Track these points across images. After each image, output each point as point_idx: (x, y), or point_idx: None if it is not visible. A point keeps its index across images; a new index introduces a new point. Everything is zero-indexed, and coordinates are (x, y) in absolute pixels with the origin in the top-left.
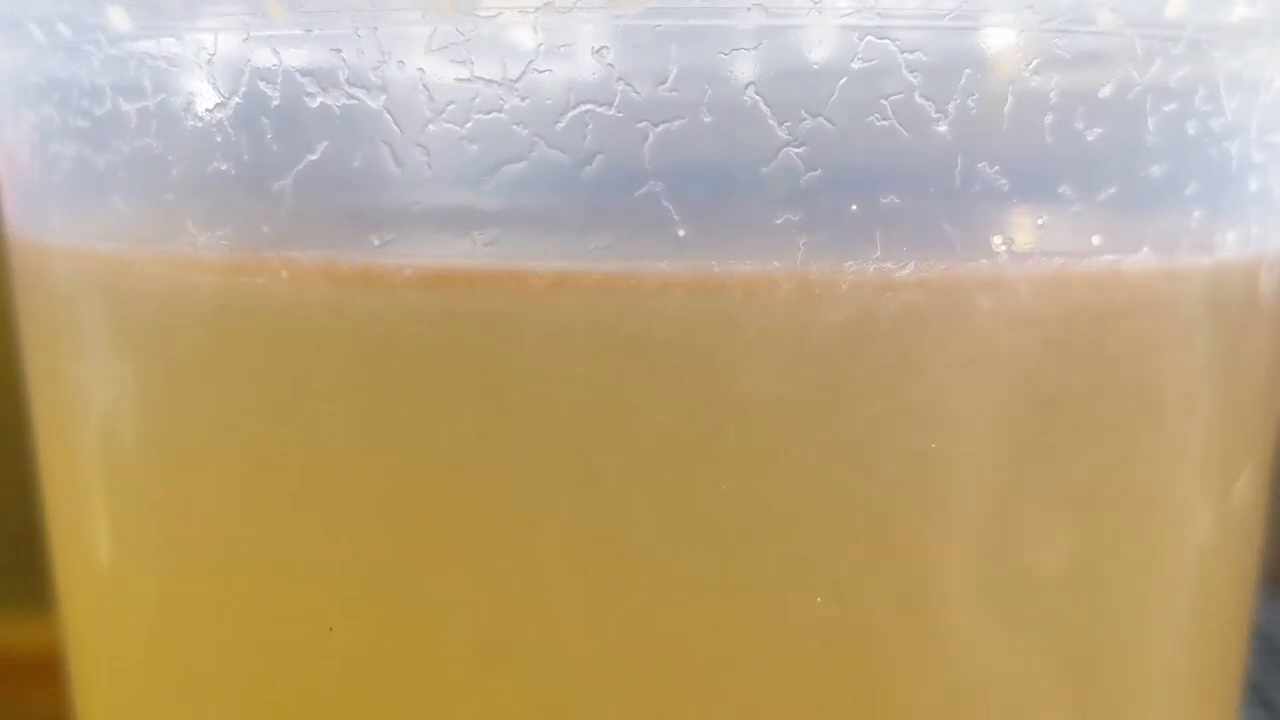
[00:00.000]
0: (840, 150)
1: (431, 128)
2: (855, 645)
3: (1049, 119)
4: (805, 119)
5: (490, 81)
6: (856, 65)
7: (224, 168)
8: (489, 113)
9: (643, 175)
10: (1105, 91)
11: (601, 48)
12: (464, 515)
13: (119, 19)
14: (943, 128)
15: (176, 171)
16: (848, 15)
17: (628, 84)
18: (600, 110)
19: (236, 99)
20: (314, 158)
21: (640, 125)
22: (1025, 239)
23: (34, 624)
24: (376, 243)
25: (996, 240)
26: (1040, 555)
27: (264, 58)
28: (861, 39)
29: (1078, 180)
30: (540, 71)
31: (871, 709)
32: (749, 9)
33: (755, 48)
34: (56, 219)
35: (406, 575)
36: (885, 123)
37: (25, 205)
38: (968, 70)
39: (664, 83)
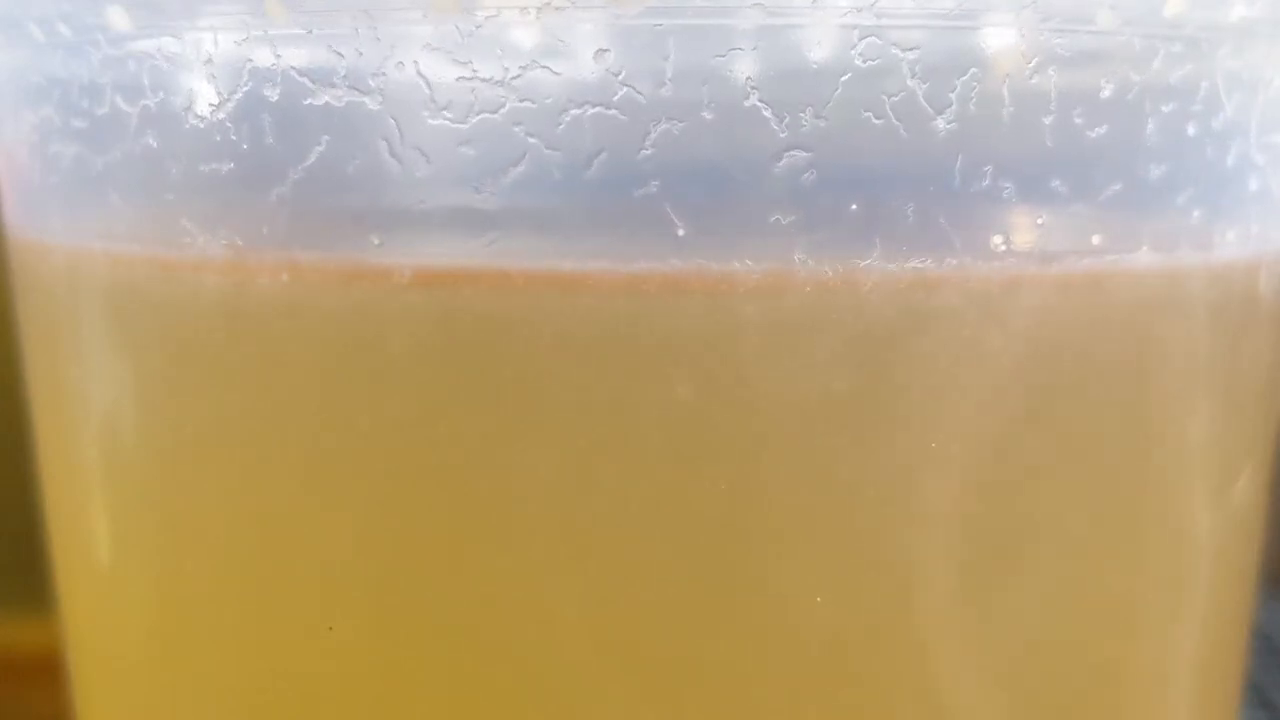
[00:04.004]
0: (840, 150)
1: (431, 127)
2: (856, 646)
3: (1049, 118)
4: (805, 119)
5: (490, 81)
6: (856, 65)
7: (224, 168)
8: (489, 112)
9: (643, 175)
10: (1105, 91)
11: (601, 48)
12: (464, 514)
13: (119, 19)
14: (942, 127)
15: (176, 171)
16: (847, 15)
17: (628, 84)
18: (600, 110)
19: (236, 99)
20: (314, 158)
21: (640, 125)
22: (1025, 238)
23: (34, 624)
24: (376, 242)
25: (996, 240)
26: (1039, 554)
27: (264, 57)
28: (861, 38)
29: (1077, 180)
30: (541, 71)
31: (873, 709)
32: (749, 8)
33: (755, 47)
34: (56, 219)
35: (407, 575)
36: (885, 122)
37: (25, 205)
38: (967, 70)
39: (664, 83)
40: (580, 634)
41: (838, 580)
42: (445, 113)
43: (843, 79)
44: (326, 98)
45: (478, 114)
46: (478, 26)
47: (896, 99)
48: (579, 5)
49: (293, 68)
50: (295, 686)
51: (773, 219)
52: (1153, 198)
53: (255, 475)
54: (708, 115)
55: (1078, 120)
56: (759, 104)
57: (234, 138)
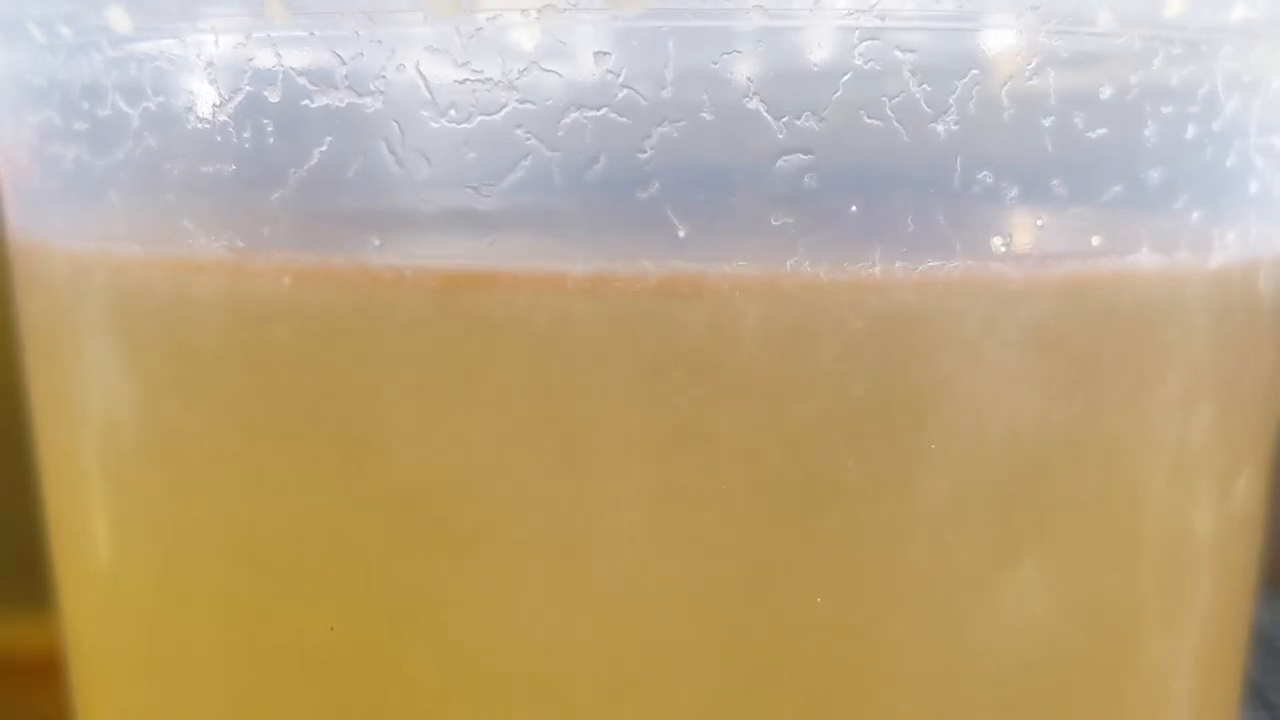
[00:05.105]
0: (841, 152)
1: (433, 129)
2: (855, 646)
3: (1048, 120)
4: (805, 120)
5: (491, 83)
6: (857, 66)
7: (225, 169)
8: (490, 114)
9: (643, 177)
10: (1105, 92)
11: (602, 50)
12: (466, 514)
13: (119, 20)
14: (942, 129)
15: (177, 173)
16: (847, 17)
17: (628, 86)
18: (601, 113)
19: (238, 100)
20: (315, 159)
21: (641, 127)
22: (1025, 240)
23: (34, 624)
24: (377, 244)
25: (996, 241)
26: (1039, 555)
27: (265, 59)
28: (861, 40)
29: (1077, 181)
30: (541, 73)
31: (872, 707)
32: (749, 10)
33: (755, 49)
34: (57, 221)
35: (408, 575)
36: (885, 124)
37: (26, 207)
38: (968, 71)
39: (665, 85)
40: (581, 634)
41: (837, 580)
42: (446, 115)
43: (843, 81)
44: (327, 99)
45: (478, 116)
46: (478, 29)
47: (897, 101)
48: (580, 7)
49: (294, 69)
50: (295, 687)
51: (773, 221)
52: (1152, 199)
53: (256, 476)
54: (708, 117)
55: (1077, 122)
56: (759, 106)
57: (235, 139)
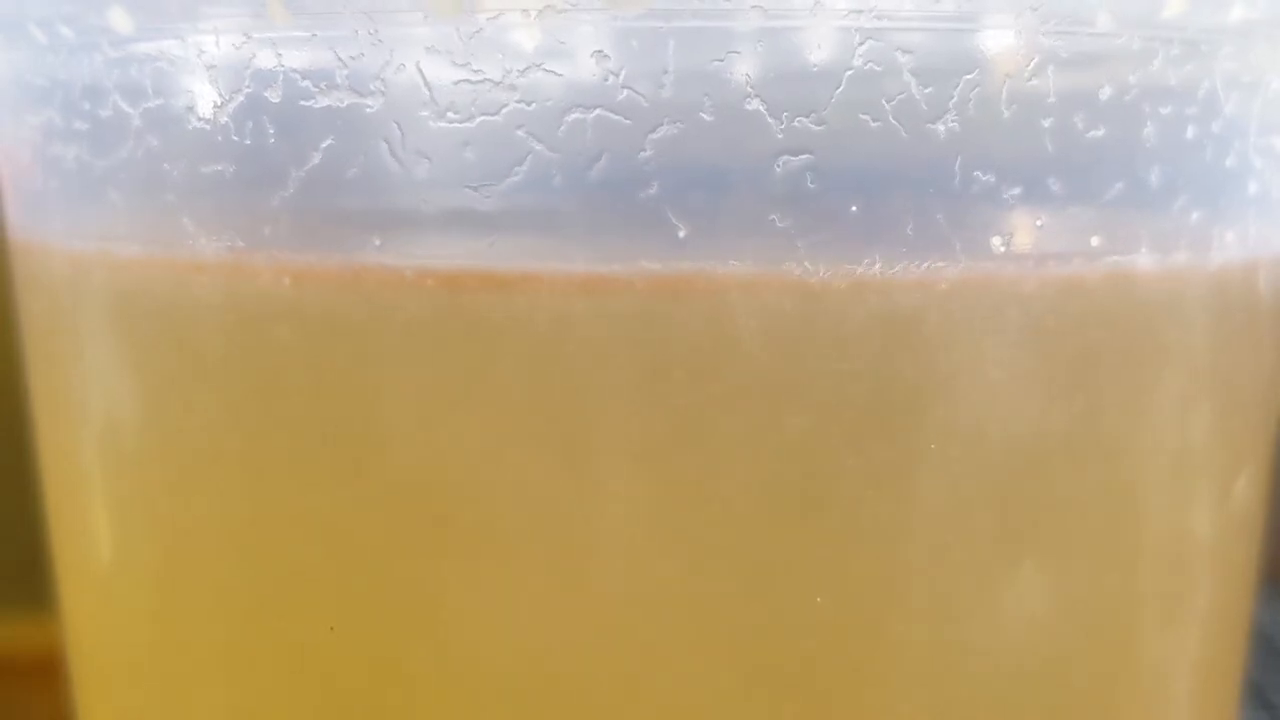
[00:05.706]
0: (840, 152)
1: (433, 129)
2: (855, 646)
3: (1048, 120)
4: (805, 121)
5: (492, 83)
6: (856, 67)
7: (226, 170)
8: (490, 115)
9: (643, 177)
10: (1104, 93)
11: (602, 50)
12: (467, 514)
13: (120, 21)
14: (942, 129)
15: (178, 173)
16: (847, 17)
17: (628, 86)
18: (601, 113)
19: (238, 101)
20: (316, 160)
21: (641, 127)
22: (1024, 240)
23: (34, 624)
24: (378, 244)
25: (996, 241)
26: (1039, 554)
27: (266, 59)
28: (861, 41)
29: (1076, 182)
30: (542, 73)
31: (871, 708)
32: (749, 11)
33: (755, 50)
34: (58, 221)
35: (408, 575)
36: (885, 124)
37: (27, 207)
38: (967, 72)
39: (664, 85)
40: (581, 636)
41: (837, 580)
42: (446, 115)
43: (842, 81)
44: (328, 100)
45: (479, 116)
46: (478, 29)
47: (896, 101)
48: (580, 8)
49: (294, 70)
50: (296, 687)
51: (773, 220)
52: (1152, 200)
53: (256, 476)
54: (708, 117)
55: (1077, 122)
56: (759, 106)
57: (236, 140)
